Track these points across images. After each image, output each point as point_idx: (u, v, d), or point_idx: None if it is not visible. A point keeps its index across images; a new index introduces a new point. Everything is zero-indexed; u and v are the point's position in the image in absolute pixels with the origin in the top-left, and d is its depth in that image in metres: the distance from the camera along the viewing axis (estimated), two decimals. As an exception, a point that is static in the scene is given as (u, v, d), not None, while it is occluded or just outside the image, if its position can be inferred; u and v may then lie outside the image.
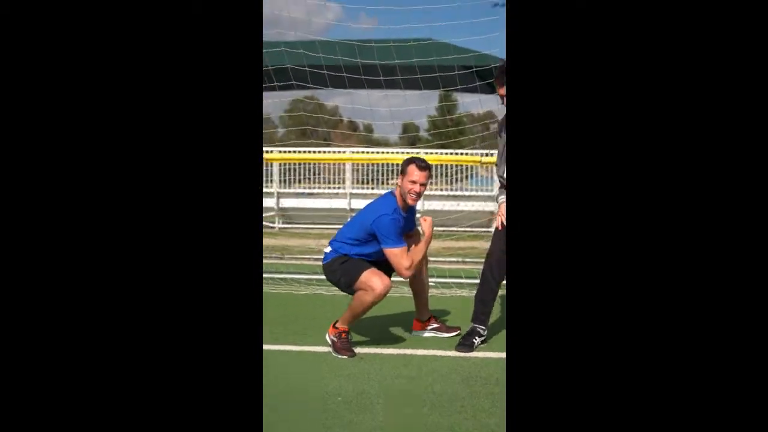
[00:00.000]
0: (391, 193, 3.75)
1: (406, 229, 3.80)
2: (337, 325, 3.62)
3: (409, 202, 3.68)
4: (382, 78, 6.54)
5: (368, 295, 3.49)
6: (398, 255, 3.53)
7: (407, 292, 5.33)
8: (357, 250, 3.66)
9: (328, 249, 3.77)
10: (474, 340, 3.69)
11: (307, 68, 6.30)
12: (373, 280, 3.48)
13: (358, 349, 3.59)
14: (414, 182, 3.62)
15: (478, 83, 7.03)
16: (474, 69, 7.17)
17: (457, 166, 12.49)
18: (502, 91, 3.65)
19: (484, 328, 3.75)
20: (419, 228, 3.80)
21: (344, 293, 3.76)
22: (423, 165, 3.67)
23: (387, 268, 3.66)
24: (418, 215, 3.98)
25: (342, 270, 3.63)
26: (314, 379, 3.10)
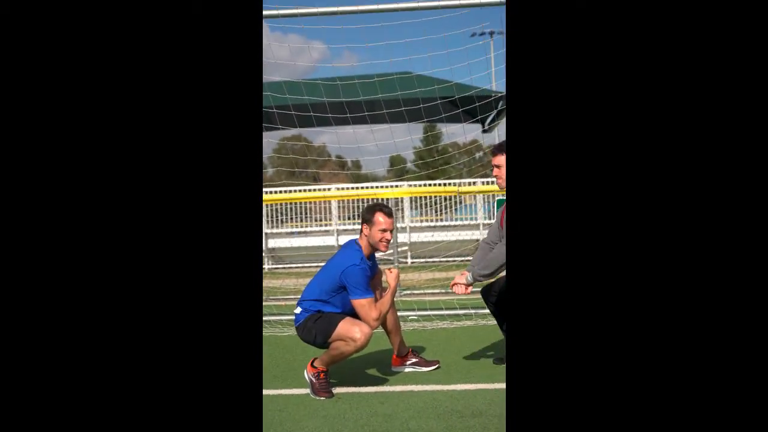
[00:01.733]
0: (355, 242, 3.72)
1: (371, 274, 3.76)
2: (315, 364, 3.56)
3: (382, 249, 3.67)
4: (366, 113, 6.61)
5: (348, 346, 3.43)
6: (366, 306, 3.49)
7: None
8: (330, 309, 3.60)
9: (298, 310, 3.68)
10: None
11: (278, 109, 6.38)
12: (353, 330, 3.42)
13: (336, 389, 3.56)
14: (384, 230, 3.60)
15: (460, 111, 7.13)
16: (455, 98, 7.26)
17: (445, 197, 12.57)
18: (496, 160, 3.66)
19: None
20: (384, 279, 3.78)
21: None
22: (388, 211, 3.66)
23: None
24: (382, 265, 3.96)
25: (317, 327, 3.55)
26: (290, 422, 3.05)
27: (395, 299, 3.77)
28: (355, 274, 3.50)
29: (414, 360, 4.01)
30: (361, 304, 3.49)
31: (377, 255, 3.90)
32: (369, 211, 3.67)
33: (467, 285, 3.63)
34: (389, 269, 3.74)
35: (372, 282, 3.74)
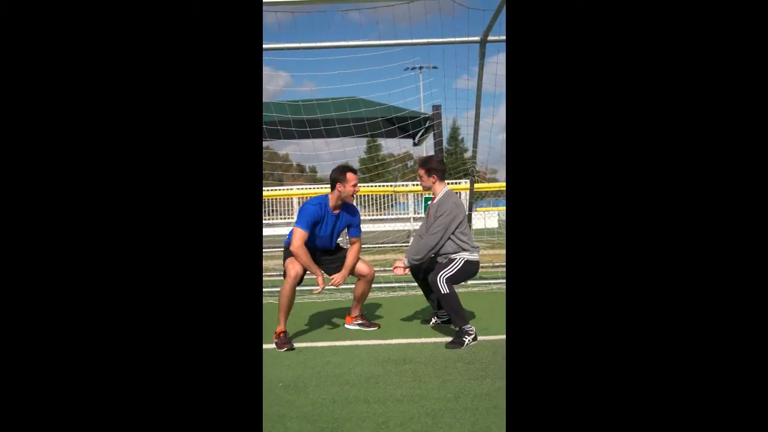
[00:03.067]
0: (326, 196, 3.82)
1: (340, 229, 3.89)
2: (276, 330, 3.63)
3: (351, 201, 3.82)
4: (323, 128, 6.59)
5: (285, 283, 3.61)
6: (297, 234, 3.64)
7: (339, 296, 5.39)
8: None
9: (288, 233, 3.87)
10: (464, 339, 3.48)
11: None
12: (289, 268, 3.62)
13: (298, 345, 3.59)
14: (355, 185, 3.76)
15: (396, 126, 7.17)
16: (395, 122, 7.34)
17: (383, 195, 12.66)
18: (420, 171, 3.85)
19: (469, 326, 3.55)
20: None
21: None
22: (354, 170, 3.83)
23: (331, 264, 3.88)
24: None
25: (285, 254, 3.80)
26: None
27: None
28: (305, 209, 3.68)
29: (360, 321, 4.10)
30: (295, 230, 3.65)
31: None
32: (340, 172, 3.75)
33: (404, 267, 3.74)
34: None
35: (353, 251, 3.90)
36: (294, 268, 3.59)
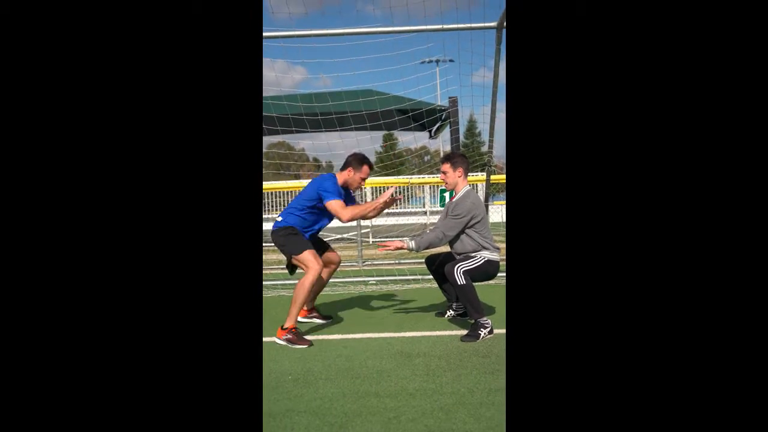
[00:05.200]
0: (332, 174, 3.71)
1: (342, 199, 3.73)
2: (285, 327, 3.42)
3: (351, 190, 3.77)
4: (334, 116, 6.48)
5: (308, 274, 3.42)
6: (338, 205, 3.49)
7: (352, 288, 5.31)
8: (301, 223, 3.63)
9: (279, 218, 3.69)
10: (480, 332, 3.38)
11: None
12: (310, 259, 3.45)
13: (308, 337, 3.49)
14: (363, 179, 3.70)
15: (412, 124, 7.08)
16: (410, 113, 7.21)
17: (399, 189, 12.62)
18: (443, 168, 3.74)
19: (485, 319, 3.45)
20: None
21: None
22: (372, 166, 3.74)
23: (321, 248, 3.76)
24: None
25: (289, 240, 3.54)
26: (271, 362, 2.99)
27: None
28: (328, 184, 3.54)
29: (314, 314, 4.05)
30: (333, 203, 3.48)
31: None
32: (360, 161, 3.68)
33: (397, 247, 3.49)
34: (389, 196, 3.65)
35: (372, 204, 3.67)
36: (318, 261, 3.42)
